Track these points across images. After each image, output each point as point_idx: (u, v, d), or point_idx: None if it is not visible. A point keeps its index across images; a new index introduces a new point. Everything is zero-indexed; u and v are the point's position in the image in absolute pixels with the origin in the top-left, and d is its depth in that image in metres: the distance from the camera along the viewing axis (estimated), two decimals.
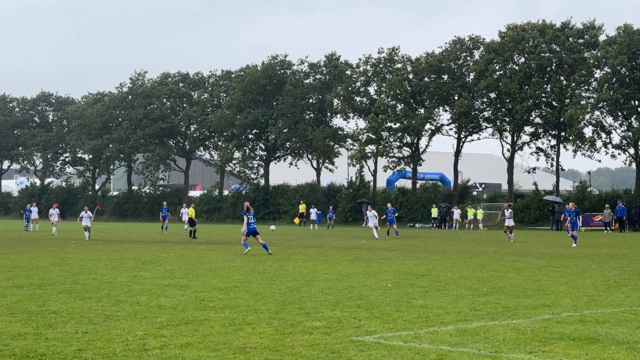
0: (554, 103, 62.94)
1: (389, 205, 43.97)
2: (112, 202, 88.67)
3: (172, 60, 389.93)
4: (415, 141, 68.57)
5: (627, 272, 20.34)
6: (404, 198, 68.15)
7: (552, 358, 9.08)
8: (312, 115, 75.54)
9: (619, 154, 61.59)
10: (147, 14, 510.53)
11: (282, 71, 75.44)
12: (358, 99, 70.34)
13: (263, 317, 12.05)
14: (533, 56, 61.28)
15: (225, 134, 77.74)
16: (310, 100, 74.89)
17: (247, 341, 10.03)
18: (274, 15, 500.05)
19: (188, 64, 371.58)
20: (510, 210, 37.93)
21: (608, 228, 53.00)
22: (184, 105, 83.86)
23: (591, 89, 61.55)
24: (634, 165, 63.09)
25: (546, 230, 56.45)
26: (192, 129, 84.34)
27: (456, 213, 60.75)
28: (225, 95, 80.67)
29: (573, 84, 61.10)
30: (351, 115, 70.55)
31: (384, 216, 41.66)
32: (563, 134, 62.17)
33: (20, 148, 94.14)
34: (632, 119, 59.85)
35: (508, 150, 65.64)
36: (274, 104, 75.67)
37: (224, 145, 79.12)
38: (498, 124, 65.26)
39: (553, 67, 62.17)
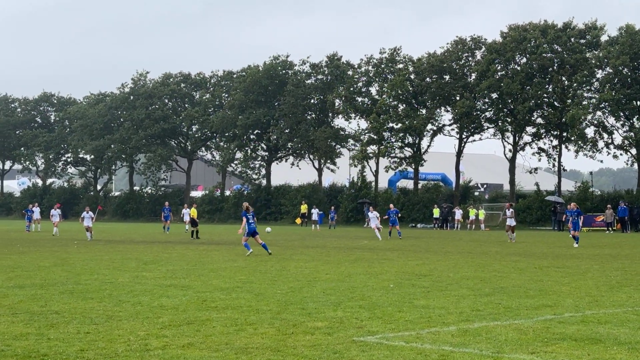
0: (555, 103, 62.92)
1: (391, 206, 43.97)
2: (114, 203, 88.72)
3: (174, 61, 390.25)
4: (416, 141, 68.55)
5: (629, 272, 20.32)
6: (405, 198, 68.13)
7: (554, 358, 9.07)
8: (313, 115, 75.55)
9: (620, 154, 61.62)
10: (149, 14, 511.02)
11: (283, 71, 75.46)
12: (360, 99, 70.34)
13: (265, 317, 12.05)
14: (535, 56, 61.26)
15: (227, 134, 77.76)
16: (312, 101, 74.91)
17: (249, 341, 10.03)
18: (275, 16, 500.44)
19: (190, 64, 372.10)
20: (511, 210, 37.93)
21: (610, 228, 52.97)
22: (186, 105, 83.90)
23: (593, 89, 61.55)
24: (635, 166, 63.08)
25: (548, 230, 56.43)
26: (193, 129, 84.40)
27: (458, 213, 60.71)
28: (226, 95, 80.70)
29: (575, 84, 61.08)
30: (353, 115, 70.55)
31: (386, 216, 41.66)
32: (565, 134, 62.14)
33: (22, 148, 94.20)
34: (634, 119, 59.85)
35: (510, 150, 65.64)
36: (276, 104, 75.69)
37: (225, 146, 79.16)
38: (500, 124, 65.24)
39: (555, 68, 62.15)
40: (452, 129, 67.96)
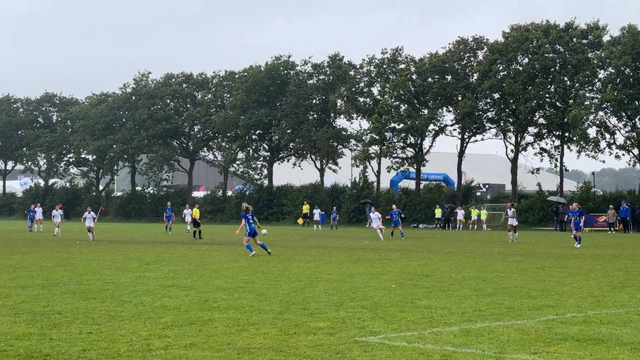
0: (557, 103, 62.87)
1: (394, 206, 43.97)
2: (116, 203, 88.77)
3: (176, 61, 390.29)
4: (418, 142, 68.53)
5: (632, 272, 20.31)
6: (407, 199, 68.11)
7: (556, 359, 9.07)
8: (315, 115, 75.55)
9: (623, 154, 61.53)
10: (150, 14, 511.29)
11: (285, 72, 75.46)
12: (361, 99, 70.34)
13: (267, 317, 12.05)
14: (537, 57, 61.23)
15: (228, 134, 77.77)
16: (314, 101, 74.90)
17: (251, 342, 10.03)
18: (277, 16, 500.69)
19: (192, 64, 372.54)
20: (512, 209, 37.92)
21: (612, 229, 52.94)
22: (188, 105, 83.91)
23: (595, 89, 61.49)
24: (638, 166, 63.02)
25: (550, 230, 56.40)
26: (195, 129, 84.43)
27: (460, 214, 60.69)
28: (228, 95, 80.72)
29: (577, 85, 61.04)
30: (355, 115, 70.54)
31: (389, 217, 41.66)
32: (567, 134, 62.09)
33: (24, 149, 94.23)
34: (636, 119, 59.76)
35: (512, 150, 65.61)
36: (278, 104, 75.70)
37: (227, 146, 79.18)
38: (502, 124, 65.19)
39: (557, 68, 62.11)
40: (454, 129, 67.95)
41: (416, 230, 57.88)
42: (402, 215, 44.16)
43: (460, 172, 68.95)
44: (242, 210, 27.05)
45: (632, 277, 18.87)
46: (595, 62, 60.15)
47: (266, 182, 78.77)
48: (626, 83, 58.47)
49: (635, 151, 60.71)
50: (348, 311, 12.70)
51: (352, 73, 71.51)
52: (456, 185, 71.15)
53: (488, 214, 61.86)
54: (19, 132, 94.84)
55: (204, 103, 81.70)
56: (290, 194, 74.94)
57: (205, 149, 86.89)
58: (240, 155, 78.78)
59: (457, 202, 65.74)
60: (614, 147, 61.31)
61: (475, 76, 64.83)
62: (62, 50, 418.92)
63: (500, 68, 63.11)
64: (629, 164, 64.42)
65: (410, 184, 73.20)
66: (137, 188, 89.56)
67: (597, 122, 60.85)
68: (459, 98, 64.75)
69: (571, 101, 61.29)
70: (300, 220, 65.28)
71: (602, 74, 60.78)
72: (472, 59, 66.17)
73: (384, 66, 68.57)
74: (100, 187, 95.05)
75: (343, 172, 77.62)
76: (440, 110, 67.40)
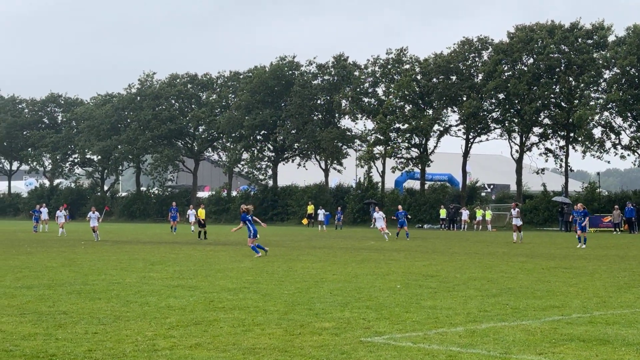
0: (562, 104, 62.79)
1: (399, 207, 43.91)
2: (120, 203, 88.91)
3: (181, 61, 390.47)
4: (423, 142, 68.49)
5: (637, 273, 20.27)
6: (412, 199, 68.08)
7: (562, 359, 9.06)
8: (320, 116, 75.56)
9: (628, 154, 61.43)
10: (155, 15, 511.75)
11: (290, 72, 75.49)
12: (366, 99, 70.33)
13: (272, 317, 12.06)
14: (542, 57, 61.15)
15: (233, 135, 77.82)
16: (319, 101, 74.92)
17: (256, 342, 10.04)
18: (282, 17, 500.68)
19: (196, 65, 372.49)
20: (517, 209, 37.85)
21: (617, 229, 52.84)
22: (193, 106, 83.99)
23: (600, 89, 61.39)
24: None
25: (555, 231, 56.31)
26: (200, 130, 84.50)
27: (465, 214, 60.62)
28: (233, 96, 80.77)
29: (582, 85, 60.94)
30: (359, 116, 70.52)
31: (395, 217, 41.62)
32: (572, 134, 62.00)
33: (29, 149, 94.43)
34: None
35: (517, 151, 65.52)
36: (282, 105, 75.75)
37: (232, 146, 79.23)
38: (507, 124, 65.12)
39: (562, 68, 62.02)
40: (459, 130, 67.95)
41: (421, 231, 57.84)
42: (409, 216, 44.09)
43: (465, 172, 68.90)
44: (242, 212, 26.96)
45: (637, 278, 18.83)
46: (601, 62, 60.05)
47: (271, 182, 78.81)
48: (631, 83, 58.36)
49: None
50: (353, 311, 12.70)
51: (356, 73, 71.50)
52: (461, 186, 71.09)
53: (493, 214, 61.79)
54: (24, 133, 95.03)
55: (208, 103, 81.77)
56: (294, 194, 74.98)
57: (210, 149, 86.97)
58: (245, 155, 78.85)
59: (461, 203, 65.69)
60: (619, 147, 61.23)
61: (480, 76, 64.78)
62: (68, 50, 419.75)
63: (505, 68, 63.05)
64: (634, 164, 64.25)
65: (415, 185, 73.16)
66: (142, 188, 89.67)
67: (602, 122, 60.76)
68: (464, 98, 64.69)
69: (576, 101, 61.20)
70: (304, 221, 65.28)
71: (607, 74, 60.68)
72: (477, 59, 66.13)
73: (389, 66, 68.53)
74: (105, 188, 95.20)
75: (348, 173, 77.62)
76: (445, 111, 67.39)
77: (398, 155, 68.26)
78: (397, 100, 67.26)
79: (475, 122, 65.20)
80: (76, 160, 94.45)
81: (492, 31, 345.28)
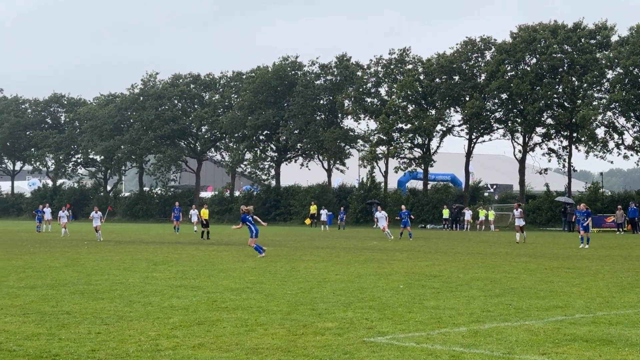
0: (565, 104, 62.72)
1: (403, 207, 43.91)
2: (123, 203, 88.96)
3: (184, 62, 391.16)
4: (426, 142, 68.46)
5: None
6: (415, 199, 68.05)
7: (565, 359, 9.05)
8: (323, 116, 75.55)
9: (631, 154, 61.34)
10: (158, 15, 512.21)
11: (293, 72, 75.49)
12: (369, 100, 70.31)
13: (275, 318, 12.06)
14: (545, 57, 61.10)
15: (236, 135, 77.84)
16: (321, 101, 74.91)
17: (259, 342, 10.04)
18: (284, 17, 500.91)
19: (199, 65, 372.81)
20: (519, 209, 37.82)
21: (620, 229, 52.79)
22: (195, 106, 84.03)
23: (603, 89, 61.32)
24: None
25: (558, 231, 56.27)
26: (203, 130, 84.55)
27: (467, 214, 60.58)
28: (236, 96, 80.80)
29: (585, 85, 60.89)
30: (362, 116, 70.52)
31: (398, 217, 41.61)
32: (575, 134, 61.94)
33: (32, 149, 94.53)
34: None
35: (519, 151, 65.46)
36: (285, 105, 75.73)
37: (235, 147, 79.26)
38: (509, 124, 65.07)
39: (565, 68, 61.96)
40: (462, 130, 67.86)
41: (424, 231, 57.82)
42: (412, 217, 44.07)
43: (467, 172, 68.85)
44: (242, 212, 26.97)
45: None
46: (604, 62, 59.98)
47: (273, 182, 78.82)
48: (634, 83, 58.28)
49: None
50: (356, 311, 12.70)
51: (359, 73, 71.48)
52: (464, 186, 71.04)
53: (496, 214, 61.75)
54: (27, 133, 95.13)
55: (211, 103, 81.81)
56: (297, 194, 74.97)
57: (212, 149, 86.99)
58: (248, 155, 78.86)
59: (464, 203, 65.64)
60: (622, 147, 61.17)
61: (483, 76, 64.72)
62: (70, 51, 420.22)
63: (508, 68, 62.99)
64: (637, 165, 64.23)
65: (418, 185, 73.13)
66: (144, 188, 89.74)
67: (606, 122, 60.70)
68: (467, 98, 64.64)
69: (579, 101, 61.14)
70: (307, 221, 65.27)
71: (610, 74, 60.62)
72: (479, 59, 66.08)
73: (392, 66, 68.52)
74: (108, 188, 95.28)
75: (350, 173, 77.60)
76: (447, 111, 67.34)
77: (401, 156, 68.22)
78: (400, 101, 67.23)
79: (478, 122, 65.15)
80: (79, 161, 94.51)
81: (493, 32, 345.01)
